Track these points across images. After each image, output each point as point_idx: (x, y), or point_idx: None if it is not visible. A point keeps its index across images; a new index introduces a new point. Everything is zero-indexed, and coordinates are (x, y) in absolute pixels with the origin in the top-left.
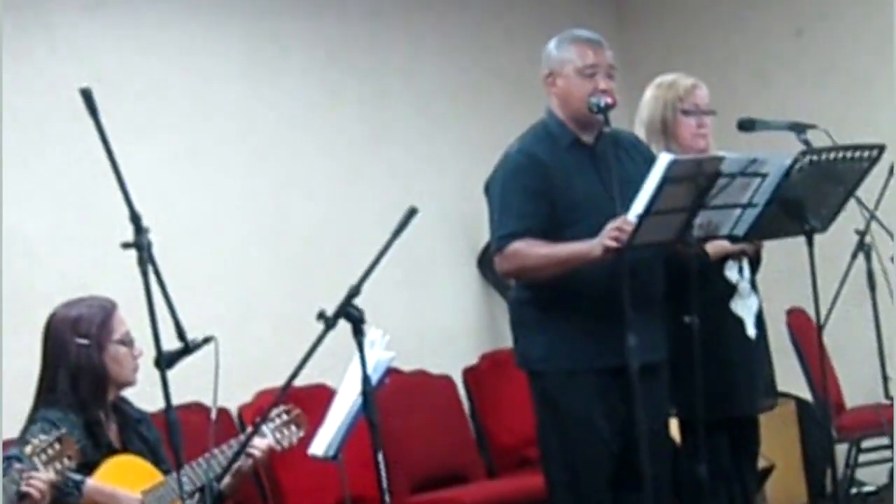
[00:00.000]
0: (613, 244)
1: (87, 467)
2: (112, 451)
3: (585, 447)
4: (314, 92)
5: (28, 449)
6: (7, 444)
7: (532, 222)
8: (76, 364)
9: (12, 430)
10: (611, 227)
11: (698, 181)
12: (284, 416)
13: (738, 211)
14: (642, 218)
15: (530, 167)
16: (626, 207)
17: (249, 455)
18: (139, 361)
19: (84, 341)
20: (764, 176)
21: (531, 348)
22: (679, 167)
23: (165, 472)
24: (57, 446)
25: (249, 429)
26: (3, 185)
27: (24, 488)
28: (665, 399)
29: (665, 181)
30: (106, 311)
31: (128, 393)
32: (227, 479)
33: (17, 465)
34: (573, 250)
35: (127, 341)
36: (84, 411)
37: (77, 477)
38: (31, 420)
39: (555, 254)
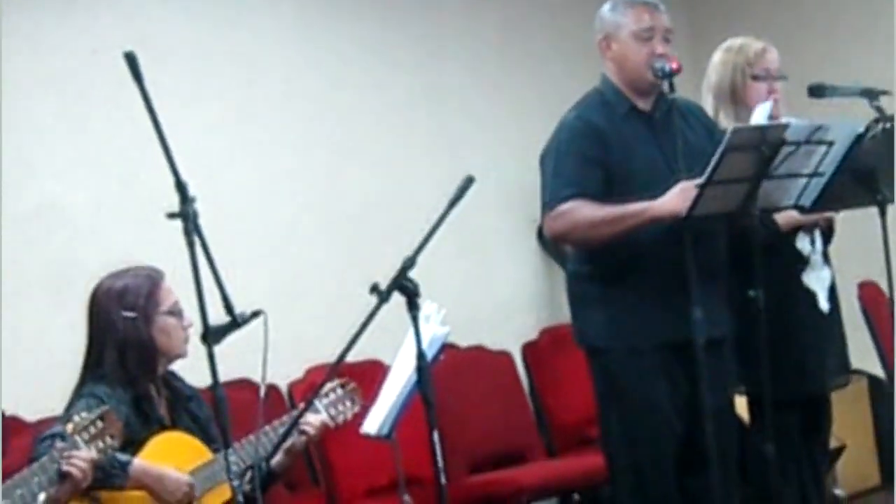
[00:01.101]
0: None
1: (135, 444)
2: (162, 428)
3: (648, 427)
4: (367, 56)
5: (69, 427)
6: (51, 421)
7: (586, 188)
8: (123, 338)
9: (58, 407)
10: (681, 185)
11: (762, 149)
12: (339, 391)
13: (803, 180)
14: (704, 187)
15: (587, 133)
16: (688, 178)
17: (303, 432)
18: (189, 332)
19: (131, 314)
20: (830, 144)
21: (590, 324)
22: (742, 135)
23: (216, 451)
24: (99, 424)
25: (301, 406)
26: (44, 154)
27: (64, 468)
28: (730, 376)
29: (728, 149)
30: (153, 281)
31: (174, 367)
32: (278, 457)
33: (59, 444)
34: (628, 209)
35: (176, 312)
36: (133, 386)
37: (123, 457)
38: (77, 395)
39: (611, 212)
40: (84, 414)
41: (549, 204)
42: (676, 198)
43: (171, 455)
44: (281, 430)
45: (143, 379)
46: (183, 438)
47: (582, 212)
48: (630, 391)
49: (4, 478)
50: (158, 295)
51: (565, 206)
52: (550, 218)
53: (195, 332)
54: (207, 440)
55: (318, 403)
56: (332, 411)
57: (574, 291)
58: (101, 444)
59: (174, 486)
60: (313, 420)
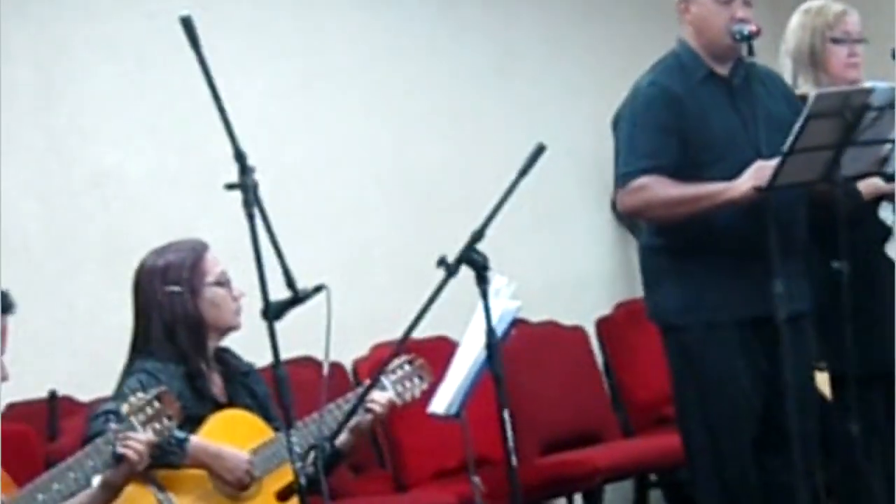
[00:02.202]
0: (757, 182)
1: (190, 422)
2: (217, 406)
3: (726, 405)
4: (435, 21)
5: (125, 408)
6: (104, 402)
7: (662, 160)
8: (170, 314)
9: (111, 387)
10: (758, 165)
11: (845, 115)
12: (407, 367)
13: (888, 147)
14: (786, 157)
15: (662, 100)
16: (768, 146)
17: (369, 410)
18: (241, 303)
19: (176, 288)
20: None
21: (665, 299)
22: (824, 101)
23: (276, 429)
24: (156, 405)
25: (366, 383)
26: (99, 123)
27: (120, 450)
28: (811, 352)
29: (810, 116)
30: (196, 253)
31: (233, 345)
32: (343, 437)
33: (114, 426)
34: (705, 190)
35: (223, 282)
36: (184, 362)
37: (180, 434)
38: (128, 372)
39: (686, 192)
40: (140, 394)
41: (622, 178)
42: (752, 179)
43: (230, 434)
44: (346, 408)
45: (194, 355)
46: (243, 416)
47: (656, 190)
48: (707, 368)
49: (59, 460)
50: (203, 266)
51: (639, 182)
52: (624, 193)
53: (256, 308)
54: (267, 418)
55: (384, 380)
56: (400, 388)
57: (647, 265)
58: (157, 426)
59: (233, 465)
60: (380, 398)
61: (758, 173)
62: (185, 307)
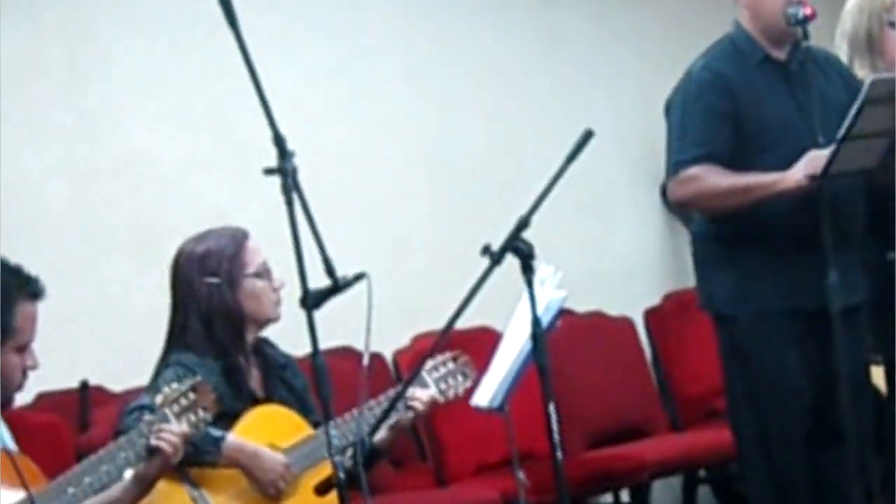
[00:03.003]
0: (811, 172)
1: (227, 417)
2: (255, 401)
3: (778, 399)
4: (479, 3)
5: (159, 399)
6: (138, 392)
7: (714, 147)
8: (208, 306)
9: (146, 376)
10: (812, 155)
11: None
12: (450, 365)
13: None
14: (840, 144)
15: (715, 86)
16: (825, 132)
17: (410, 407)
18: (281, 294)
19: (214, 280)
20: None
21: (717, 289)
22: (879, 87)
23: (314, 423)
24: (191, 396)
25: (406, 377)
26: (132, 105)
27: (153, 442)
28: (866, 345)
29: (866, 102)
30: (236, 241)
31: (271, 335)
32: (382, 433)
33: (147, 417)
34: (757, 181)
35: (263, 273)
36: (222, 356)
37: (216, 433)
38: (164, 364)
39: (738, 182)
40: (174, 385)
41: (673, 167)
42: (805, 169)
43: (267, 430)
44: (386, 405)
45: (232, 349)
46: (280, 412)
47: (707, 180)
48: (758, 360)
49: (89, 452)
50: (243, 256)
51: (690, 172)
52: (675, 183)
53: (294, 296)
54: (304, 411)
55: (427, 378)
56: (443, 386)
57: (699, 253)
58: (192, 418)
59: (269, 465)
60: (422, 395)
61: (811, 163)
62: (224, 299)
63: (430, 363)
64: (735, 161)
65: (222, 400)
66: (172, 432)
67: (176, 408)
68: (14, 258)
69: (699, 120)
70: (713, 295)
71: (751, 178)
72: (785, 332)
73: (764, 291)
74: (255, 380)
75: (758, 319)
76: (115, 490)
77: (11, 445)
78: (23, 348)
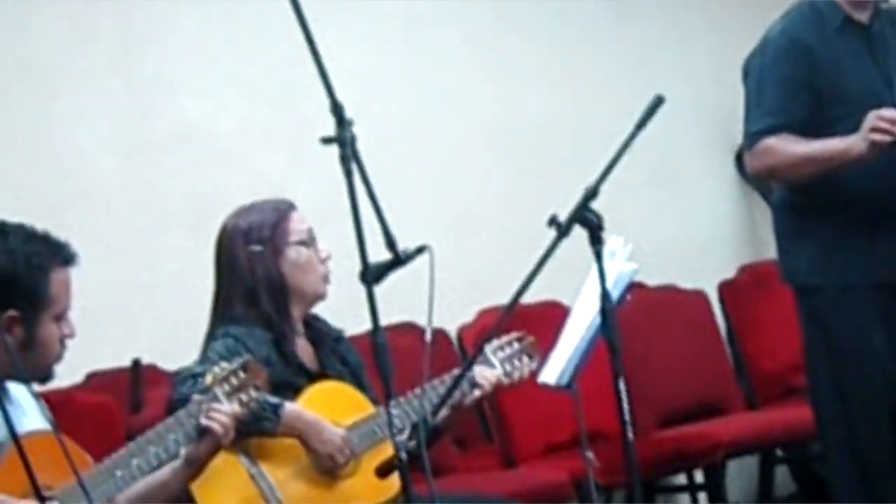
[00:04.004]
0: (880, 138)
1: (280, 389)
2: (307, 374)
3: (862, 375)
4: None
5: (208, 378)
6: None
7: (791, 117)
8: (252, 276)
9: (195, 353)
10: (873, 116)
11: None
12: (516, 345)
13: None
14: None
15: (793, 52)
16: None
17: (476, 386)
18: (329, 267)
19: (257, 248)
20: None
21: (798, 260)
22: None
23: (371, 400)
24: (242, 374)
25: (471, 354)
26: (187, 74)
27: (204, 422)
28: None
29: None
30: (280, 212)
31: (329, 311)
32: (444, 412)
33: (197, 397)
34: (831, 148)
35: (309, 241)
36: (270, 328)
37: (275, 400)
38: (212, 336)
39: (811, 152)
40: (224, 364)
41: (749, 138)
42: (869, 126)
43: (328, 407)
44: (450, 382)
45: (279, 321)
46: (341, 389)
47: (783, 150)
48: (839, 333)
49: (142, 433)
50: (287, 225)
51: (766, 143)
52: (751, 155)
53: (353, 271)
54: (360, 388)
55: (493, 357)
56: (508, 367)
57: (780, 224)
58: (244, 398)
59: (328, 437)
60: (488, 375)
61: (876, 123)
62: (267, 268)
63: (494, 343)
64: (815, 130)
65: (274, 372)
66: (223, 412)
67: (227, 387)
68: (66, 233)
69: (775, 89)
70: (795, 266)
71: (825, 145)
72: (867, 306)
73: (848, 262)
74: (306, 353)
75: (838, 292)
76: (164, 472)
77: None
78: (60, 317)
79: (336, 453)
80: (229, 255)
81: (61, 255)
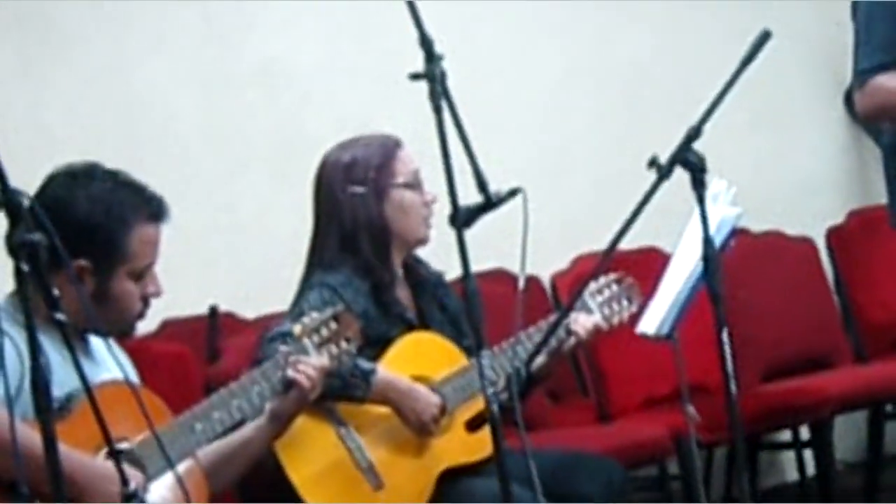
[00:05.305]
0: None
1: (377, 344)
2: (406, 325)
3: None
4: None
5: (297, 329)
6: (273, 319)
7: None
8: (352, 218)
9: (282, 302)
10: None
11: None
12: (614, 287)
13: None
14: None
15: None
16: None
17: (572, 333)
18: (433, 210)
19: (359, 189)
20: None
21: None
22: None
23: (467, 348)
24: (333, 325)
25: (566, 302)
26: (267, 7)
27: (291, 375)
28: None
29: None
30: (386, 149)
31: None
32: (540, 359)
33: (284, 348)
34: None
35: (414, 184)
36: (369, 275)
37: (367, 366)
38: (307, 285)
39: None
40: (315, 314)
41: (858, 76)
42: None
43: (419, 360)
44: (546, 330)
45: (379, 267)
46: (433, 340)
47: (891, 89)
48: None
49: (219, 384)
50: (393, 165)
51: (874, 83)
52: (860, 95)
53: (443, 214)
54: (458, 335)
55: (590, 302)
56: (606, 311)
57: (892, 167)
58: (334, 350)
59: (424, 405)
60: (585, 321)
61: None
62: (369, 211)
63: (592, 286)
64: None
65: (371, 324)
66: (311, 365)
67: (316, 338)
68: (142, 174)
69: (886, 23)
70: None
71: None
72: None
73: None
74: (406, 302)
75: None
76: (248, 429)
77: (134, 378)
78: (140, 274)
79: (431, 423)
80: (328, 195)
81: (149, 209)
